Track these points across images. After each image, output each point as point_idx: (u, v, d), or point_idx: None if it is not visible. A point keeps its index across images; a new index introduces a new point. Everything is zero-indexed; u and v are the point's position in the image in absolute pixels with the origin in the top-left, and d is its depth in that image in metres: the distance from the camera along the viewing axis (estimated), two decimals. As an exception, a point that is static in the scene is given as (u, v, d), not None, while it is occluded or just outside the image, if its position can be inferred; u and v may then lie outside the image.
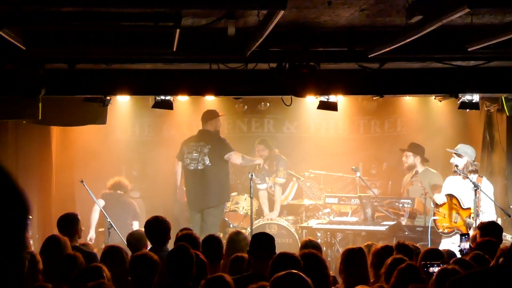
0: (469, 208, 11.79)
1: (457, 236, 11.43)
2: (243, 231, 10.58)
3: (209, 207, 13.21)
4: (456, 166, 12.00)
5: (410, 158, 13.42)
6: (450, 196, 12.06)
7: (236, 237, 9.08)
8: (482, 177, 12.13)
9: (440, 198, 12.10)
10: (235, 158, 13.53)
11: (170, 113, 12.69)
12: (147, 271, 6.77)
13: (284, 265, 6.14)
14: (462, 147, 12.18)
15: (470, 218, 11.69)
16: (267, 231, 12.51)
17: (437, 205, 12.12)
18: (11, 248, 1.24)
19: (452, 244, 11.20)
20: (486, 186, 11.87)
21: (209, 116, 13.60)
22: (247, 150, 14.68)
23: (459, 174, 12.01)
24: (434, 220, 12.04)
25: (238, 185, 14.81)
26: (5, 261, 1.23)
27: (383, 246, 8.10)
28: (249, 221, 12.73)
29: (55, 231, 8.73)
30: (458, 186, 12.08)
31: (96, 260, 8.06)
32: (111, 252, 7.83)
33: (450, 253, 8.70)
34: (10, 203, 1.24)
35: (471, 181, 11.58)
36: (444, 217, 12.01)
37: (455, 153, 12.12)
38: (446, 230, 11.96)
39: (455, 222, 11.90)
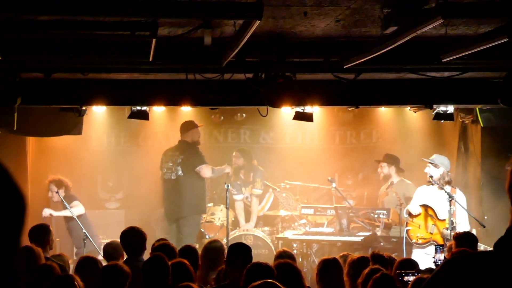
0: (443, 220, 11.81)
1: (431, 247, 11.48)
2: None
3: (183, 217, 13.22)
4: (431, 176, 11.98)
5: (385, 169, 13.47)
6: (426, 207, 12.00)
7: (210, 245, 9.09)
8: (455, 188, 12.14)
9: (415, 208, 11.98)
10: (205, 171, 13.51)
11: (146, 123, 12.65)
12: (117, 281, 6.75)
13: (258, 274, 6.15)
14: (438, 158, 12.17)
15: (447, 230, 11.68)
16: (243, 242, 12.49)
17: (411, 215, 12.01)
18: (6, 246, 1.22)
19: (425, 254, 11.21)
20: (460, 197, 11.87)
21: (187, 127, 13.62)
22: (223, 160, 14.67)
23: (433, 184, 12.00)
24: (407, 230, 11.98)
25: (214, 195, 14.83)
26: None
27: (359, 256, 8.12)
28: (225, 232, 12.71)
29: (27, 242, 8.67)
30: (432, 197, 12.04)
31: (67, 271, 8.05)
32: (85, 262, 7.83)
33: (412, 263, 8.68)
34: (7, 198, 1.22)
35: (446, 192, 11.60)
36: (419, 228, 11.95)
37: (431, 163, 12.11)
38: (420, 241, 11.85)
39: (431, 233, 11.87)
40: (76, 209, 12.42)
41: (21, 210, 1.25)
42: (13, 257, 1.23)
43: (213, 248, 8.98)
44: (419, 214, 11.97)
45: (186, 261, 7.39)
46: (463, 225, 11.57)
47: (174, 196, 13.39)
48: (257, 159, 14.54)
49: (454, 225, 11.41)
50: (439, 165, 12.03)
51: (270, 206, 14.60)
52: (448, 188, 11.84)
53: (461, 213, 11.74)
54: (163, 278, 6.97)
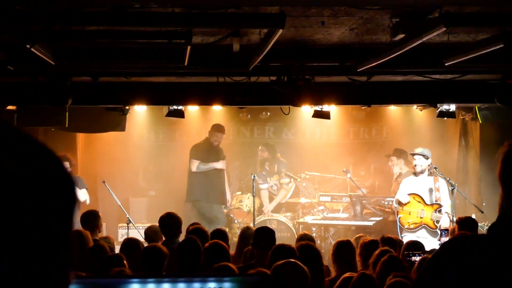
0: (434, 204, 11.72)
1: (422, 231, 11.49)
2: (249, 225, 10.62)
3: (202, 205, 13.62)
4: (420, 166, 11.86)
5: (395, 162, 13.43)
6: (413, 195, 11.87)
7: (246, 231, 9.14)
8: (438, 176, 12.06)
9: (404, 197, 11.77)
10: (191, 165, 13.71)
11: (182, 121, 12.70)
12: (157, 261, 6.81)
13: (281, 255, 6.18)
14: (425, 150, 12.02)
15: (436, 213, 11.65)
16: (268, 226, 12.53)
17: (401, 204, 11.82)
18: (59, 234, 1.25)
19: (416, 238, 11.12)
20: (443, 183, 11.82)
21: (212, 128, 13.90)
22: (250, 153, 14.74)
23: (422, 174, 11.90)
24: (399, 218, 11.86)
25: (242, 184, 14.89)
26: (54, 247, 1.25)
27: (370, 240, 8.14)
28: (252, 217, 12.75)
29: (79, 226, 8.77)
30: (417, 185, 11.92)
31: (113, 251, 8.13)
32: (129, 244, 7.90)
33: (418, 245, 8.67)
34: (60, 185, 1.26)
35: (447, 180, 11.57)
36: (409, 214, 11.78)
37: (422, 155, 11.98)
38: (412, 226, 11.66)
39: (421, 217, 11.76)
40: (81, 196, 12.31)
41: (73, 196, 1.28)
42: (68, 238, 1.26)
43: (248, 234, 9.01)
44: (408, 202, 11.83)
45: (222, 242, 7.42)
46: (446, 208, 11.55)
47: (196, 187, 13.66)
48: (280, 152, 14.58)
49: (454, 210, 11.37)
50: (428, 156, 11.93)
51: (292, 194, 14.62)
52: (431, 177, 11.83)
53: (444, 197, 11.70)
54: (196, 258, 7.04)
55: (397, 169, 13.43)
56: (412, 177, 12.10)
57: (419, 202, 11.81)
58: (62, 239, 1.21)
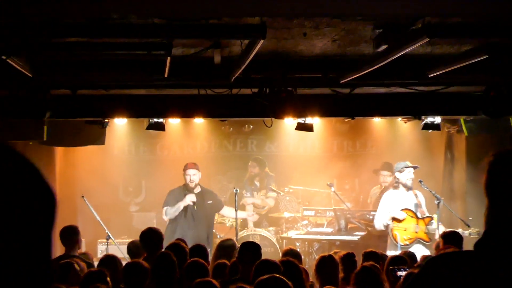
0: (425, 218, 11.83)
1: (417, 246, 11.54)
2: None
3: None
4: (411, 180, 12.02)
5: (387, 177, 13.37)
6: (406, 210, 11.97)
7: (224, 243, 9.15)
8: (414, 190, 12.21)
9: (400, 214, 11.88)
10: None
11: (163, 134, 12.71)
12: (139, 277, 6.79)
13: (266, 269, 6.19)
14: (404, 163, 12.19)
15: (430, 225, 11.75)
16: (251, 239, 12.54)
17: (397, 220, 11.92)
18: (39, 243, 1.26)
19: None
20: (421, 197, 12.10)
21: (183, 168, 12.91)
22: (232, 167, 14.78)
23: (407, 188, 12.07)
24: (394, 235, 11.89)
25: (225, 199, 14.87)
26: (33, 256, 1.26)
27: (345, 253, 8.19)
28: (235, 232, 12.75)
29: (58, 242, 8.75)
30: (404, 199, 12.03)
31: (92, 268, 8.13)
32: (107, 260, 7.92)
33: (411, 255, 8.75)
34: (40, 195, 1.27)
35: (433, 194, 11.67)
36: (405, 230, 11.86)
37: (413, 167, 12.13)
38: (407, 242, 11.80)
39: (416, 232, 11.85)
40: None
41: (53, 207, 1.29)
42: (48, 251, 1.27)
43: (226, 245, 9.03)
44: (404, 219, 11.90)
45: (200, 260, 7.42)
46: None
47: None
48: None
49: (438, 224, 11.47)
50: (414, 169, 12.12)
51: (275, 208, 14.64)
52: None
53: (425, 209, 12.00)
54: (170, 273, 7.06)
55: (391, 183, 13.39)
56: (392, 191, 12.18)
57: (412, 217, 11.89)
58: (42, 251, 1.22)
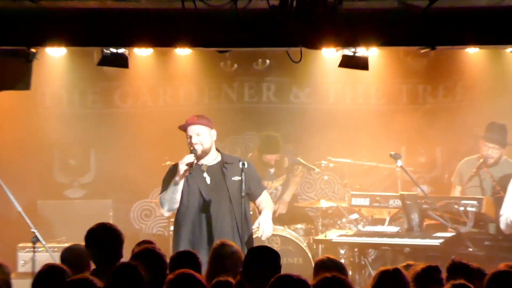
0: None
1: None
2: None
3: None
4: None
5: (495, 151, 13.31)
6: None
7: (221, 250, 9.16)
8: None
9: None
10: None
11: (125, 74, 12.70)
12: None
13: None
14: None
15: None
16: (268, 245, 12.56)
17: None
18: None
19: None
20: None
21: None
22: (238, 127, 14.78)
23: None
24: None
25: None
26: None
27: (425, 267, 8.13)
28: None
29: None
30: None
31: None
32: (48, 274, 7.95)
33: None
34: None
35: None
36: None
37: None
38: None
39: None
40: None
41: None
42: None
43: (224, 253, 9.04)
44: None
45: (192, 272, 7.43)
46: None
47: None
48: (286, 126, 14.62)
49: None
50: None
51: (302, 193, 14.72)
52: None
53: None
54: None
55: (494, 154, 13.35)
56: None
57: None
58: None
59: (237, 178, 11.32)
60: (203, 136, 11.35)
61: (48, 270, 8.03)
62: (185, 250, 9.10)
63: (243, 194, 10.89)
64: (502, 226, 12.03)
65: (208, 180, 11.29)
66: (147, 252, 8.45)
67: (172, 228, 12.63)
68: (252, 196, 11.51)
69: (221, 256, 9.11)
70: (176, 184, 11.21)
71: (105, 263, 8.42)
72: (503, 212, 12.00)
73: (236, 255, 9.08)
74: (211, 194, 11.28)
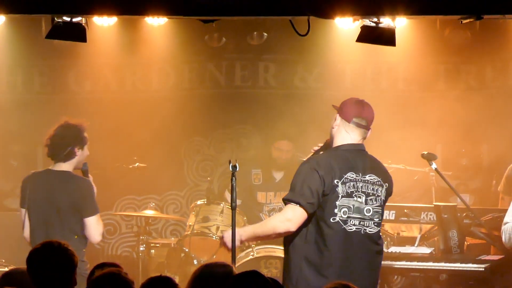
0: None
1: None
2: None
3: None
4: None
5: None
6: None
7: (204, 272, 9.18)
8: None
9: None
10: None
11: (81, 50, 12.71)
12: None
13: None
14: None
15: None
16: (264, 271, 12.56)
17: None
18: None
19: None
20: None
21: None
22: (226, 120, 14.78)
23: None
24: None
25: (209, 185, 14.89)
26: None
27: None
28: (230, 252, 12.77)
29: None
30: None
31: None
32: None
33: None
34: None
35: None
36: None
37: None
38: None
39: None
40: None
41: None
42: None
43: (208, 276, 9.07)
44: None
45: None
46: None
47: None
48: (288, 115, 14.66)
49: None
50: None
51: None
52: None
53: None
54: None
55: None
56: None
57: None
58: None
59: None
60: None
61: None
62: (160, 276, 9.11)
63: (233, 204, 10.99)
64: (505, 238, 11.98)
65: None
66: (110, 277, 8.44)
67: (142, 248, 12.70)
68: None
69: (207, 275, 9.14)
70: None
71: (52, 288, 8.44)
72: (509, 220, 11.92)
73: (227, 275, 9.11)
74: None
